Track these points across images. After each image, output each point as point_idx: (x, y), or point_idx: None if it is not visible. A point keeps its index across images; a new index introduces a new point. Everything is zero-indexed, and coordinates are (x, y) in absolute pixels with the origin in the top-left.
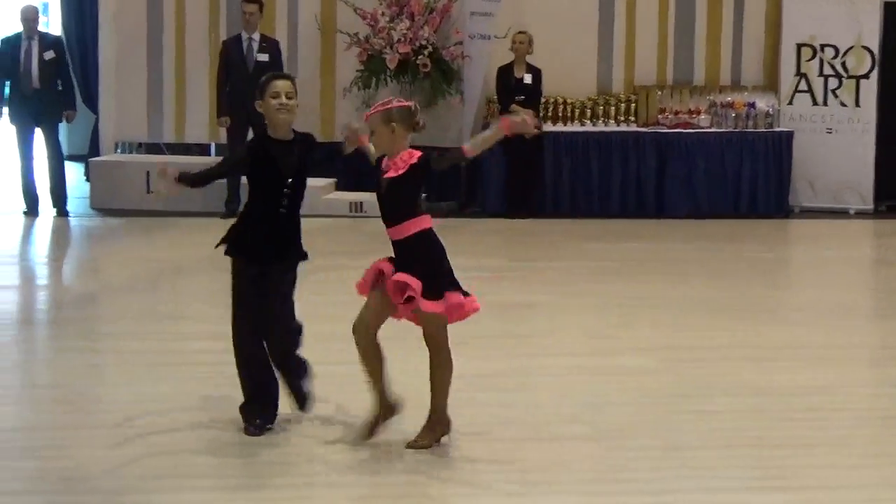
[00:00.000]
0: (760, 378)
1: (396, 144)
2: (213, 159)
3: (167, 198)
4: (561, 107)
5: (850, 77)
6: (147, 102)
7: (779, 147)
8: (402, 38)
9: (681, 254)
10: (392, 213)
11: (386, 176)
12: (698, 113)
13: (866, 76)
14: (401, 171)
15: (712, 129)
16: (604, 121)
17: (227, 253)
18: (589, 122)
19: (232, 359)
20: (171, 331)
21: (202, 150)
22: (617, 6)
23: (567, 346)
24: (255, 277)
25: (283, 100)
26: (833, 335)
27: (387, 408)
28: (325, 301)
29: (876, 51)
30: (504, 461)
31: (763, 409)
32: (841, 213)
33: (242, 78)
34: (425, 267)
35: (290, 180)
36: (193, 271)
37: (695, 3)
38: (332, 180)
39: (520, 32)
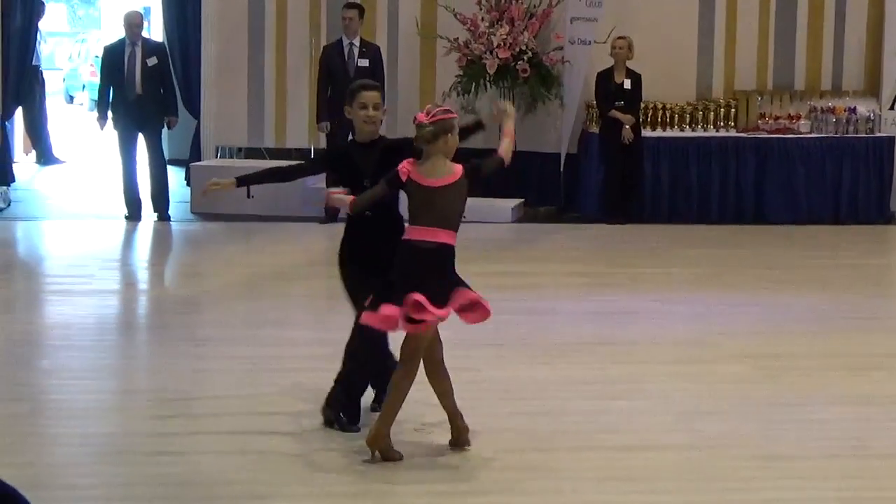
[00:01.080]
0: (863, 387)
1: (450, 154)
2: None
3: (218, 194)
4: (660, 112)
5: None
6: (248, 108)
7: (880, 153)
8: (502, 43)
9: (781, 260)
10: (440, 219)
11: (437, 184)
12: (798, 118)
13: None
14: (451, 180)
15: (812, 135)
16: (703, 126)
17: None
18: (688, 127)
19: (335, 364)
20: (274, 336)
21: (302, 154)
22: (717, 11)
23: (667, 354)
24: (362, 278)
25: (371, 112)
26: None
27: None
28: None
29: None
30: (604, 468)
31: (866, 419)
32: None
33: (343, 83)
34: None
35: (366, 181)
36: (294, 276)
37: (796, 8)
38: None
39: (619, 38)
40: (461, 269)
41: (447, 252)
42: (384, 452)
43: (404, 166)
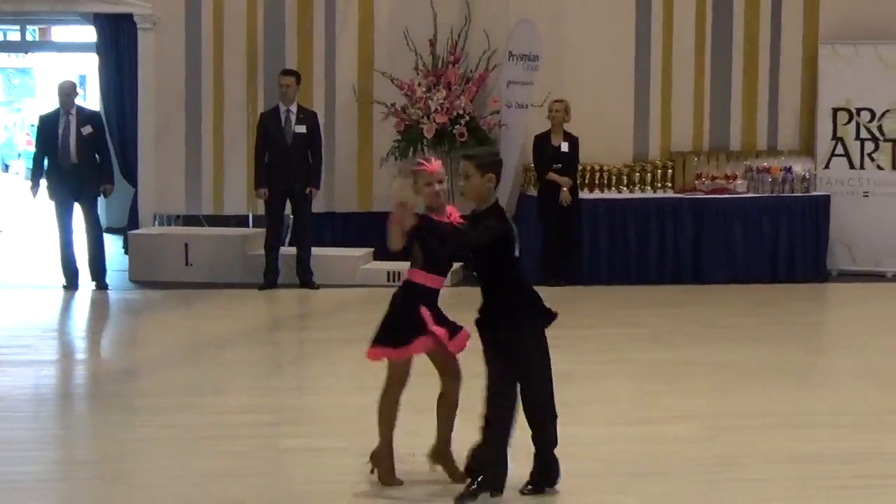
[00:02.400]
0: (805, 445)
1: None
2: (252, 231)
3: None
4: (598, 174)
5: (886, 140)
6: (185, 175)
7: (816, 211)
8: (439, 108)
9: (720, 319)
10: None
11: None
12: (735, 178)
13: None
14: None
15: (749, 195)
16: (640, 187)
17: None
18: (626, 188)
19: (275, 430)
20: (214, 404)
21: (240, 221)
22: (653, 74)
23: (609, 415)
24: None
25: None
26: (875, 401)
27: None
28: (370, 371)
29: None
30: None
31: (808, 477)
32: (879, 277)
33: (280, 149)
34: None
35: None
36: (234, 343)
37: (730, 69)
38: (369, 250)
39: (556, 101)
40: None
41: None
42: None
43: None
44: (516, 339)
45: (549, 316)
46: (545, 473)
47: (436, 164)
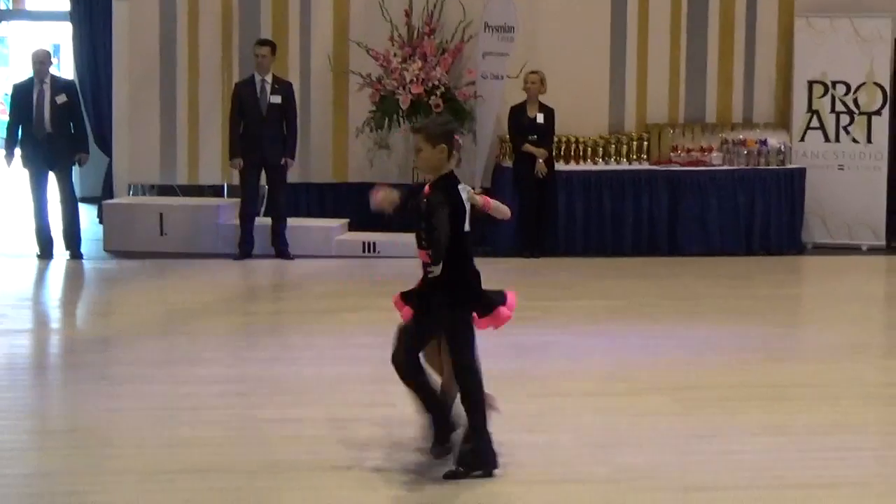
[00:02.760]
0: (777, 417)
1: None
2: (227, 201)
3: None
4: (573, 146)
5: (861, 113)
6: (160, 145)
7: (791, 184)
8: (415, 79)
9: (694, 292)
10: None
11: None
12: (710, 151)
13: (878, 112)
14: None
15: (724, 167)
16: (616, 159)
17: None
18: (601, 160)
19: (250, 401)
20: (189, 374)
21: (215, 191)
22: (629, 46)
23: (583, 386)
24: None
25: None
26: (848, 373)
27: None
28: (345, 342)
29: (887, 87)
30: (522, 502)
31: (783, 449)
32: (854, 250)
33: (255, 120)
34: None
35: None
36: (209, 314)
37: (706, 41)
38: (344, 220)
39: (532, 72)
40: (376, 303)
41: None
42: None
43: None
44: (445, 317)
45: (489, 308)
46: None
47: None
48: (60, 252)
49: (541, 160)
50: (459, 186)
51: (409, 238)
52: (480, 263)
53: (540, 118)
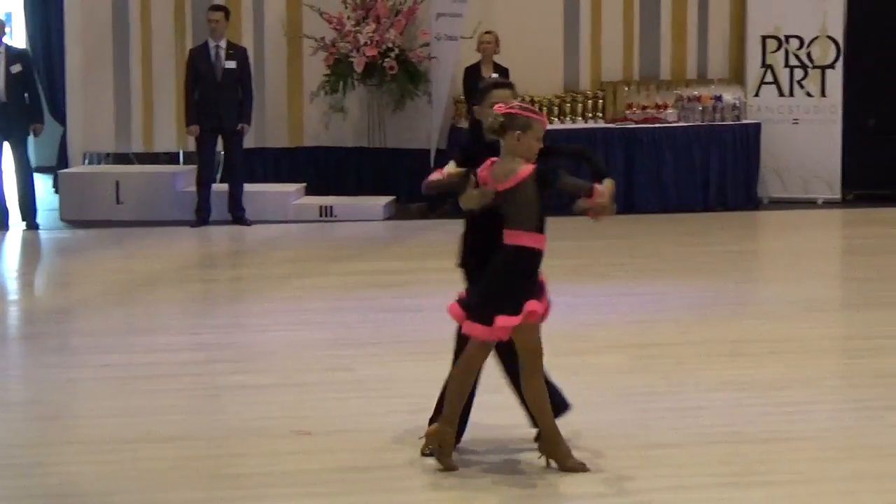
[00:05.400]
0: (735, 373)
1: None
2: (183, 168)
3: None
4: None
5: (815, 67)
6: (115, 113)
7: (746, 139)
8: (369, 42)
9: (652, 249)
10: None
11: (500, 188)
12: (665, 108)
13: (831, 66)
14: (512, 184)
15: (680, 124)
16: (571, 118)
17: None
18: (557, 119)
19: (209, 368)
20: (149, 343)
21: (171, 158)
22: (582, 4)
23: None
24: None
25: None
26: (806, 328)
27: None
28: (303, 307)
29: (840, 40)
30: (480, 463)
31: (740, 405)
32: (810, 203)
33: (210, 86)
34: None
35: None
36: (167, 282)
37: None
38: (301, 185)
39: (486, 32)
40: (333, 267)
41: (519, 254)
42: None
43: (483, 169)
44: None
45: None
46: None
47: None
48: (16, 223)
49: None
50: None
51: (366, 201)
52: (439, 225)
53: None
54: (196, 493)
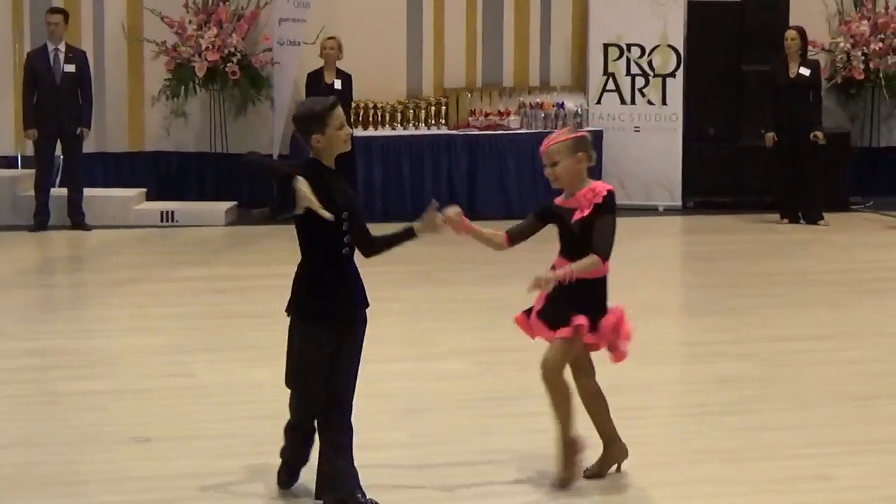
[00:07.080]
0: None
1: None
2: (21, 172)
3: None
4: (371, 111)
5: (656, 76)
6: None
7: None
8: (211, 46)
9: (492, 256)
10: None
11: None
12: (508, 114)
13: (672, 74)
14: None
15: (522, 131)
16: (414, 124)
17: (296, 316)
18: (400, 126)
19: (48, 374)
20: None
21: (9, 162)
22: (425, 10)
23: (383, 352)
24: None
25: (349, 129)
26: (646, 333)
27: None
28: (144, 313)
29: (681, 49)
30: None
31: (579, 410)
32: (651, 210)
33: (49, 89)
34: None
35: (344, 213)
36: (5, 287)
37: (502, 5)
38: (141, 190)
39: (329, 38)
40: (174, 273)
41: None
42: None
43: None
44: None
45: None
46: None
47: None
48: None
49: None
50: None
51: (207, 206)
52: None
53: (338, 84)
54: (32, 500)
